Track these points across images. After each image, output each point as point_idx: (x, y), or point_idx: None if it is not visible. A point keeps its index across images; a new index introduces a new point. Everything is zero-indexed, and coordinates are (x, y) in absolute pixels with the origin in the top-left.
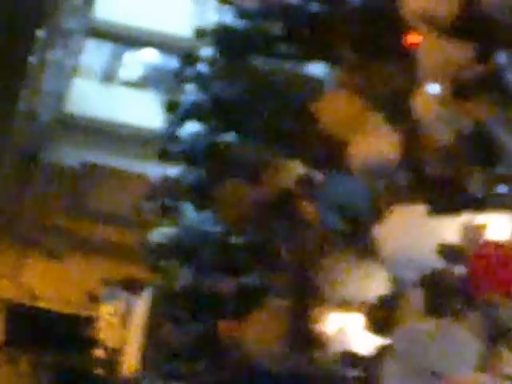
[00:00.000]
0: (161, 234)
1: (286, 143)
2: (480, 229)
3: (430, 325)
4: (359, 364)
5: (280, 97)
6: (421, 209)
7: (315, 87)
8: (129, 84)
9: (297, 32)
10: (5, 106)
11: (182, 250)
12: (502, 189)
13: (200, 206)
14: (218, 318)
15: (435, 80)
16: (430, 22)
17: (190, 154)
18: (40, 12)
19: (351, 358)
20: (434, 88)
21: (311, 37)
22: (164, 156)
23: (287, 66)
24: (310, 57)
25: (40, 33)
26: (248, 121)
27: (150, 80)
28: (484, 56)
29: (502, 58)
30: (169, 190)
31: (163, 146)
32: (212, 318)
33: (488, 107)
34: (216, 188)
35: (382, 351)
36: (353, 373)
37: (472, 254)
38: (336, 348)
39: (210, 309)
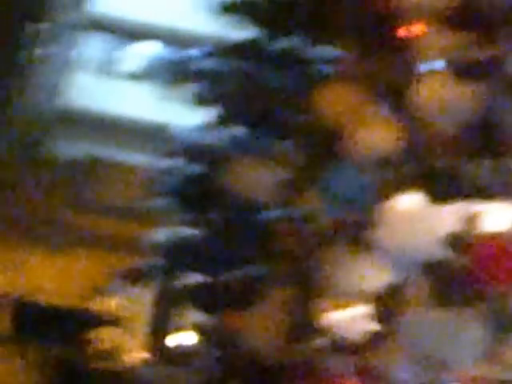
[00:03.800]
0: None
1: (287, 134)
2: (483, 218)
3: (435, 314)
4: (361, 354)
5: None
6: (423, 199)
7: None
8: (128, 77)
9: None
10: (3, 99)
11: (183, 245)
12: (505, 178)
13: (199, 201)
14: (222, 310)
15: (437, 68)
16: (431, 12)
17: (191, 147)
18: (39, 5)
19: (353, 349)
20: (435, 76)
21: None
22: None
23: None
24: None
25: (39, 26)
26: (251, 112)
27: (149, 72)
28: (485, 43)
29: (502, 44)
30: (168, 184)
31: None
32: (216, 309)
33: (490, 94)
34: (218, 180)
35: (386, 341)
36: (354, 363)
37: (475, 243)
38: (338, 338)
39: (213, 300)
